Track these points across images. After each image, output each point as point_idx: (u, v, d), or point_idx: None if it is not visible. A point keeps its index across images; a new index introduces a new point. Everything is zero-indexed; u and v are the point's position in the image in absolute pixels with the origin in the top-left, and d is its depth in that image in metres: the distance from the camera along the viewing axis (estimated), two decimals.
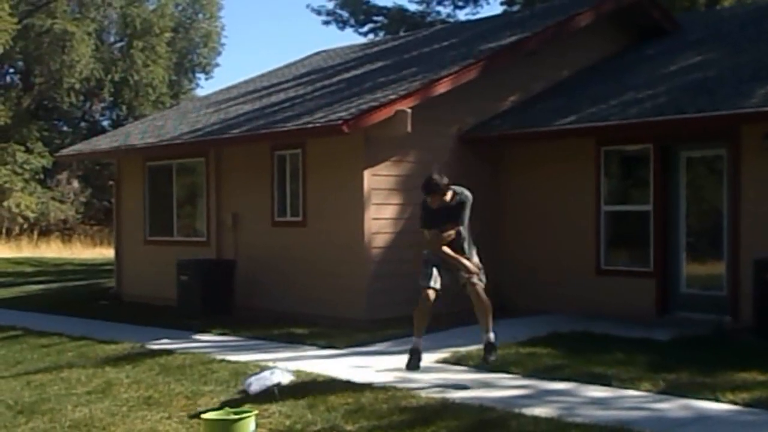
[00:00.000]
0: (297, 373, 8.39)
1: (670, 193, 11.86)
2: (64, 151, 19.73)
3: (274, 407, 7.26)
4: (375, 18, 32.90)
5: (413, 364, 8.05)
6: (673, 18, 16.03)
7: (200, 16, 46.75)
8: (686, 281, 11.80)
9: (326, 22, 33.68)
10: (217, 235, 14.39)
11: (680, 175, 11.84)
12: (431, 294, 7.90)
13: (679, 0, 23.82)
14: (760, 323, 9.98)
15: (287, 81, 17.85)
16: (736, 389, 7.34)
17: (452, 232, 7.88)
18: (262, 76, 20.15)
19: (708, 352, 8.99)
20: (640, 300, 11.83)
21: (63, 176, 42.02)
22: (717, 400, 7.11)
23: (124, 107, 44.41)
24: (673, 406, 7.06)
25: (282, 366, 8.60)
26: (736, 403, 7.01)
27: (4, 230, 36.98)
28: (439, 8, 32.62)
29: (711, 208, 11.81)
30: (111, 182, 18.62)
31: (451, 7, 32.62)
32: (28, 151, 38.52)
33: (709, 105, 11.11)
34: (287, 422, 6.90)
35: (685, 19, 16.58)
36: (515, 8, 28.57)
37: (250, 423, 6.51)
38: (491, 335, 8.03)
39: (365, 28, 33.11)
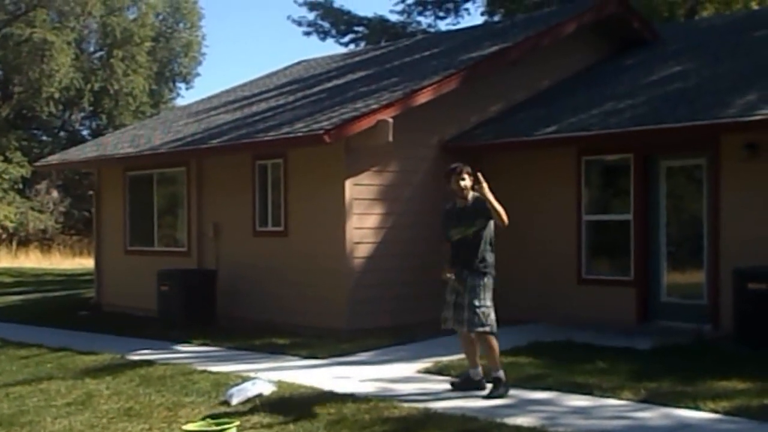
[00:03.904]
0: (279, 383, 8.37)
1: (651, 202, 11.92)
2: (44, 161, 19.61)
3: (255, 418, 7.23)
4: (356, 28, 32.90)
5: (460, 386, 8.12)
6: (653, 29, 16.14)
7: (181, 25, 46.62)
8: (667, 290, 11.84)
9: (307, 33, 33.65)
10: (198, 245, 14.33)
11: (660, 184, 11.90)
12: (460, 332, 8.07)
13: (659, 11, 23.98)
14: (740, 332, 10.02)
15: (269, 91, 17.83)
16: (716, 397, 7.37)
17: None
18: (244, 85, 20.12)
19: (688, 361, 9.03)
20: (621, 309, 11.87)
21: (42, 186, 41.73)
22: (698, 408, 7.14)
23: (104, 117, 44.18)
24: (654, 415, 7.08)
25: (264, 376, 8.58)
26: (716, 412, 7.04)
27: None
28: (420, 18, 32.69)
29: (691, 217, 11.88)
30: (91, 192, 18.53)
31: (432, 17, 32.70)
32: (7, 160, 38.25)
33: (689, 115, 11.19)
34: None
35: (665, 30, 16.70)
36: (496, 18, 28.67)
37: None
38: (500, 372, 8.00)
39: (346, 39, 33.10)
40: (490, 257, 8.02)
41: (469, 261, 7.90)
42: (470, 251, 7.91)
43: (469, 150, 13.12)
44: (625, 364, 9.01)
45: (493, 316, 7.94)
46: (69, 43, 40.58)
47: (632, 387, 7.90)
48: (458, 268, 7.96)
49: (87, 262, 29.70)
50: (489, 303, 7.92)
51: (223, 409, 7.62)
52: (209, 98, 19.82)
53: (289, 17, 37.15)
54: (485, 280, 7.92)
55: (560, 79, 14.63)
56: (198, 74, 50.65)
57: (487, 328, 7.87)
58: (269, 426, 7.03)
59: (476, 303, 7.84)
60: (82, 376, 9.51)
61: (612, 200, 12.62)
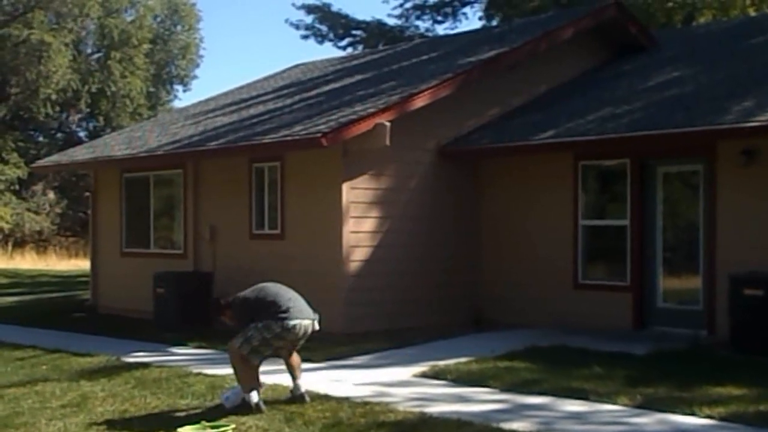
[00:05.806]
0: (274, 386, 8.34)
1: (647, 207, 11.93)
2: (40, 162, 19.60)
3: (251, 421, 7.21)
4: (354, 32, 32.89)
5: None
6: (650, 34, 16.16)
7: (179, 27, 46.59)
8: (663, 295, 11.86)
9: (305, 37, 33.64)
10: (195, 248, 14.31)
11: (657, 190, 11.92)
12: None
13: (656, 17, 24.02)
14: (736, 337, 10.03)
15: (266, 93, 17.83)
16: (712, 403, 7.37)
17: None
18: (241, 88, 20.12)
19: (684, 366, 9.03)
20: (617, 314, 11.87)
21: (38, 187, 41.67)
22: (694, 414, 7.14)
23: (101, 118, 44.13)
24: (650, 421, 7.08)
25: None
26: (712, 418, 7.04)
27: None
28: (418, 23, 32.69)
29: (687, 222, 11.89)
30: (87, 193, 18.49)
31: (430, 21, 32.70)
32: (4, 161, 38.20)
33: (686, 121, 11.20)
34: None
35: (663, 36, 16.72)
36: (494, 23, 28.70)
37: None
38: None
39: (344, 42, 33.09)
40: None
41: None
42: None
43: (466, 154, 13.14)
44: (621, 369, 9.00)
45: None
46: (66, 45, 40.52)
47: (628, 392, 7.90)
48: None
49: (83, 264, 29.66)
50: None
51: (218, 411, 7.61)
52: (206, 101, 19.81)
53: (287, 20, 37.18)
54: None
55: (558, 84, 14.65)
56: (195, 77, 50.59)
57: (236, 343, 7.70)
58: (265, 429, 7.02)
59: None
60: (77, 378, 9.49)
61: (609, 205, 12.63)
